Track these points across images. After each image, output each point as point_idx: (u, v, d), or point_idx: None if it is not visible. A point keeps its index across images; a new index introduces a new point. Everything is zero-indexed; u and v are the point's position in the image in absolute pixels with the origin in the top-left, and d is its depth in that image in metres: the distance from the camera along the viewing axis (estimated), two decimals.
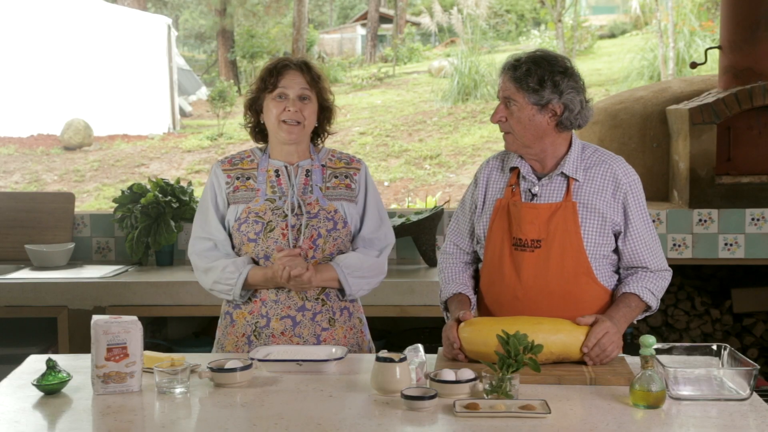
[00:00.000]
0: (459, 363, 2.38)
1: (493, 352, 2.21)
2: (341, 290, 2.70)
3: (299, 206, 2.68)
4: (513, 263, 2.54)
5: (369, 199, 2.78)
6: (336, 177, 2.75)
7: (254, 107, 2.74)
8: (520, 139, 2.51)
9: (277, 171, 2.73)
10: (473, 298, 2.66)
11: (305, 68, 2.69)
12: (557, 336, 2.34)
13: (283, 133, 2.67)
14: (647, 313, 2.58)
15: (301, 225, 2.66)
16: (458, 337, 2.41)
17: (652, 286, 2.54)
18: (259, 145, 2.81)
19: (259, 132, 2.78)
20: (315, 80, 2.70)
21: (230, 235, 2.72)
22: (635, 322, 2.59)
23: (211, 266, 2.67)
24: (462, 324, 2.43)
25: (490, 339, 2.29)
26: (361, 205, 2.77)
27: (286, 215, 2.66)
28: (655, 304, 2.55)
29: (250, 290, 2.69)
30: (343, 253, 2.72)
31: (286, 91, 2.66)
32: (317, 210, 2.68)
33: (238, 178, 2.73)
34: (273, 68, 2.68)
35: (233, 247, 2.73)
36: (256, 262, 2.68)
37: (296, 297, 2.67)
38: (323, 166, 2.75)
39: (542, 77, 2.45)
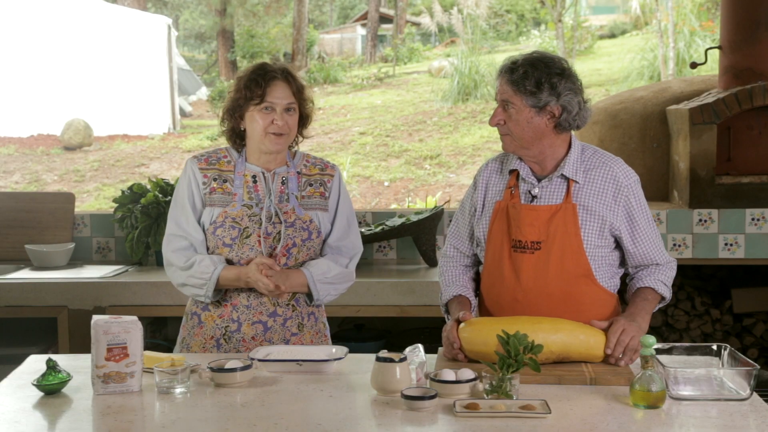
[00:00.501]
0: (459, 363, 2.39)
1: (493, 352, 2.22)
2: (309, 295, 2.72)
3: (276, 214, 2.68)
4: (512, 265, 2.54)
5: (340, 206, 2.79)
6: (311, 185, 2.76)
7: (236, 114, 2.70)
8: (518, 141, 2.51)
9: (254, 177, 2.72)
10: (474, 301, 2.66)
11: (291, 79, 2.69)
12: (557, 335, 2.34)
13: (270, 144, 2.67)
14: (662, 304, 2.62)
15: (277, 233, 2.66)
16: (458, 337, 2.41)
17: (663, 278, 2.60)
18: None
19: (237, 136, 2.75)
20: (300, 90, 2.70)
21: (205, 237, 2.71)
22: None
23: (190, 263, 2.65)
24: (462, 324, 2.43)
25: (490, 339, 2.29)
26: (332, 210, 2.78)
27: (263, 223, 2.67)
28: (668, 294, 2.61)
29: (220, 291, 2.68)
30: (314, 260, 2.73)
31: (274, 104, 2.65)
32: (293, 219, 2.69)
33: (215, 180, 2.72)
34: (260, 78, 2.65)
35: (207, 249, 2.72)
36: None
37: (268, 303, 2.69)
38: (299, 173, 2.76)
39: (539, 79, 2.44)
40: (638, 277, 2.61)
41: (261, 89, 2.64)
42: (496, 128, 2.55)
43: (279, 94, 2.65)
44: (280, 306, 2.70)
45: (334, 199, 2.78)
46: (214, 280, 2.63)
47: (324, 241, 2.78)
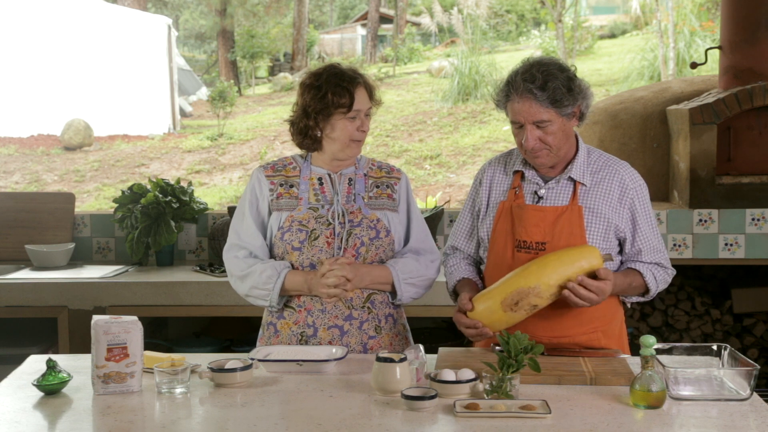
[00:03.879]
0: (459, 363, 2.38)
1: (504, 314, 2.33)
2: (391, 293, 2.68)
3: (342, 214, 2.66)
4: (516, 265, 2.54)
5: (412, 210, 2.78)
6: (378, 186, 2.74)
7: (318, 119, 2.64)
8: (555, 151, 2.51)
9: (320, 179, 2.71)
10: (479, 284, 2.67)
11: (367, 82, 2.68)
12: (548, 268, 2.37)
13: (352, 151, 2.67)
14: (642, 299, 2.61)
15: (345, 233, 2.64)
16: (477, 320, 2.42)
17: (656, 273, 2.58)
18: (300, 153, 2.77)
19: (308, 140, 2.69)
20: (373, 93, 2.69)
21: (272, 244, 2.69)
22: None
23: (248, 272, 2.63)
24: (469, 310, 2.44)
25: (494, 306, 2.38)
26: (404, 215, 2.76)
27: (330, 223, 2.64)
28: (653, 288, 2.57)
29: (285, 297, 2.65)
30: (384, 262, 2.68)
31: (360, 111, 2.64)
32: (360, 218, 2.66)
33: (281, 185, 2.70)
34: (348, 85, 2.61)
35: (275, 258, 2.69)
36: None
37: (342, 306, 2.64)
38: (365, 174, 2.74)
39: (567, 87, 2.45)
40: (632, 262, 2.58)
41: (350, 97, 2.61)
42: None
43: (362, 100, 2.64)
44: (355, 309, 2.65)
45: (404, 203, 2.76)
46: (278, 290, 2.60)
47: (403, 245, 2.74)
